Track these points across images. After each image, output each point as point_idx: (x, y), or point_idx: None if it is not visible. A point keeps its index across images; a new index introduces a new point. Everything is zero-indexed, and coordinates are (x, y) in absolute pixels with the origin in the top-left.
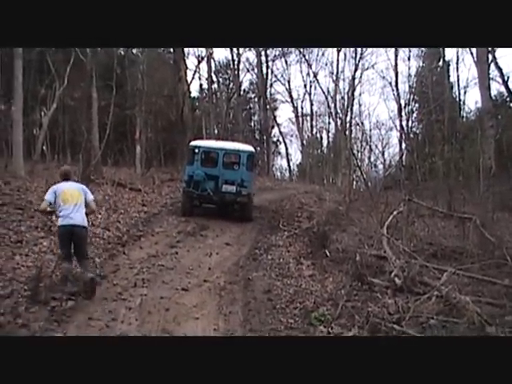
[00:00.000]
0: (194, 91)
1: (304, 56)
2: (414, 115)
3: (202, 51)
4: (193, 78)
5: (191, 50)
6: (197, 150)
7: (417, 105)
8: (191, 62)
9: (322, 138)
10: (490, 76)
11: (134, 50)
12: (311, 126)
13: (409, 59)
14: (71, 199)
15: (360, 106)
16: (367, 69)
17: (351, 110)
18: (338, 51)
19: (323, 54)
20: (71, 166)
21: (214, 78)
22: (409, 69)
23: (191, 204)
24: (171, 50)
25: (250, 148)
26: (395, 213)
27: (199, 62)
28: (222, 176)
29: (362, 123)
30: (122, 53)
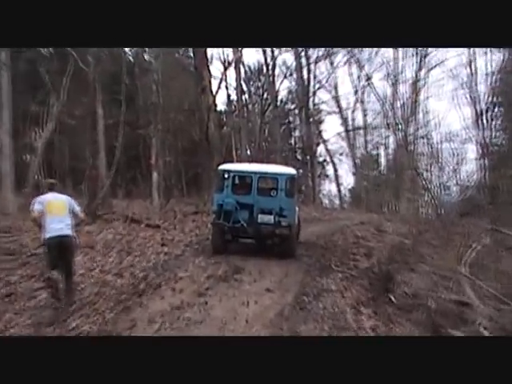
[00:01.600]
0: (221, 104)
1: (354, 55)
2: (498, 123)
3: (229, 54)
4: (219, 87)
5: (215, 53)
6: (227, 175)
7: (500, 109)
8: (216, 68)
9: (378, 155)
10: None
11: (146, 56)
12: (365, 141)
13: (487, 52)
14: (56, 211)
15: (426, 113)
16: (434, 67)
17: (415, 119)
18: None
19: (377, 53)
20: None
21: (245, 87)
22: (489, 64)
23: (223, 239)
24: (191, 54)
25: (290, 170)
26: (477, 246)
27: (226, 68)
28: (256, 204)
29: (430, 135)
30: (132, 59)
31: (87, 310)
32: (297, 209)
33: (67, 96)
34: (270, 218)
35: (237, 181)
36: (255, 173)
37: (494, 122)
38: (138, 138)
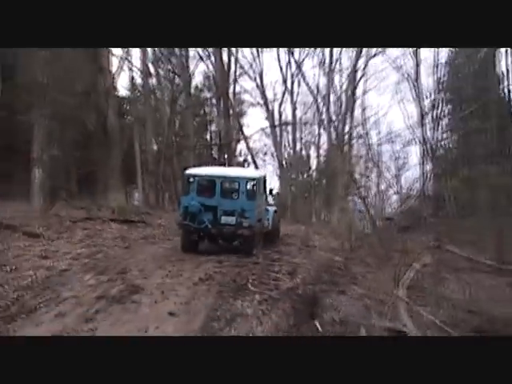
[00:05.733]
0: (123, 88)
1: None
2: (445, 122)
3: None
4: (120, 68)
5: None
6: (192, 179)
7: (449, 107)
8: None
9: (309, 156)
10: None
11: None
12: (293, 139)
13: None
14: None
15: (364, 110)
16: (375, 56)
17: (351, 115)
18: None
19: None
20: None
21: (152, 70)
22: (436, 56)
23: (190, 239)
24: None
25: (252, 174)
26: (417, 266)
27: None
28: (220, 206)
29: (368, 134)
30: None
31: None
32: (271, 209)
33: None
34: (232, 219)
35: (201, 184)
36: (218, 177)
37: (441, 122)
38: (16, 124)
